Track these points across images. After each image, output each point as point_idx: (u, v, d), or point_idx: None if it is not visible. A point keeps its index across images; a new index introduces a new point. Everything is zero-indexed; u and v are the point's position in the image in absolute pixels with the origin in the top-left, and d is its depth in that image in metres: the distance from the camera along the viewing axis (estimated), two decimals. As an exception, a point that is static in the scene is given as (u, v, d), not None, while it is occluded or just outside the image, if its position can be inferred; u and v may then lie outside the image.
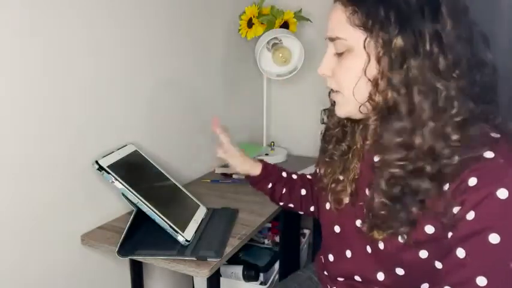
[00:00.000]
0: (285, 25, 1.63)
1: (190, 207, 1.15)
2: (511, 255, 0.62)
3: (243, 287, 1.42)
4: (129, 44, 1.18)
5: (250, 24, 1.61)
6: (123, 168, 1.03)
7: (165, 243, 0.99)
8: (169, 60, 1.34)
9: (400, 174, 0.68)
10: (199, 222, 1.10)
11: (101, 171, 0.98)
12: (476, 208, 0.63)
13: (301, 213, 1.09)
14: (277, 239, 1.61)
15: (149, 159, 1.18)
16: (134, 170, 1.09)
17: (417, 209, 0.68)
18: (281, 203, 1.08)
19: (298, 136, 1.87)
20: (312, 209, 1.07)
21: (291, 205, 1.07)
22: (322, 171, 0.90)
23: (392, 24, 0.66)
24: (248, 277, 1.42)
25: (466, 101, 0.66)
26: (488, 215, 0.62)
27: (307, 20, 1.66)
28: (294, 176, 1.10)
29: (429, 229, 0.69)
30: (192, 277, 1.47)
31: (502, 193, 0.61)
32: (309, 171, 1.51)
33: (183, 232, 0.99)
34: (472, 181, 0.63)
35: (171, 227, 0.97)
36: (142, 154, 1.17)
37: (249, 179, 1.09)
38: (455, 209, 0.64)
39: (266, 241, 1.59)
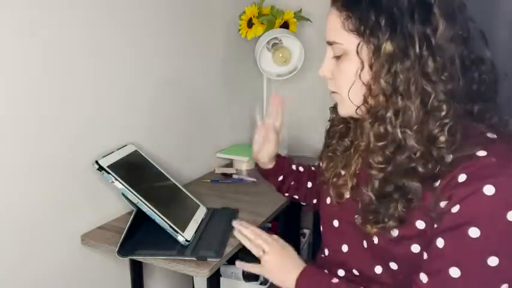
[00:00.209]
0: (285, 25, 1.63)
1: (190, 207, 1.16)
2: (488, 252, 0.63)
3: (243, 287, 1.42)
4: (129, 44, 1.18)
5: (250, 24, 1.61)
6: (123, 168, 1.03)
7: (165, 243, 0.99)
8: (169, 60, 1.34)
9: (382, 176, 0.70)
10: (199, 222, 1.10)
11: (101, 171, 0.98)
12: (462, 202, 0.64)
13: (303, 204, 1.12)
14: (277, 239, 1.61)
15: (149, 159, 1.18)
16: (134, 170, 1.09)
17: (405, 207, 0.69)
18: (286, 194, 1.12)
19: (298, 136, 1.87)
20: (314, 201, 1.09)
21: (296, 196, 1.11)
22: (324, 165, 0.92)
23: (383, 29, 0.67)
24: (248, 277, 1.42)
25: (455, 103, 0.67)
26: (472, 210, 0.63)
27: (307, 20, 1.66)
28: (301, 169, 1.12)
29: (420, 224, 0.70)
30: (192, 277, 1.47)
31: (489, 190, 0.62)
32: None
33: (183, 232, 0.99)
34: (462, 177, 0.64)
35: (171, 227, 0.97)
36: (142, 154, 1.17)
37: (260, 170, 1.11)
38: (443, 203, 0.66)
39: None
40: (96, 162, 0.98)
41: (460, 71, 0.67)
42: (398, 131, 0.68)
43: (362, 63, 0.71)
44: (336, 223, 0.88)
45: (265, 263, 0.87)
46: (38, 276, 1.00)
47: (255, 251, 0.90)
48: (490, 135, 0.68)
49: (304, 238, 1.76)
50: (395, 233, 0.72)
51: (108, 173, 0.98)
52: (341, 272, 0.87)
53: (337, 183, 0.86)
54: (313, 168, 1.13)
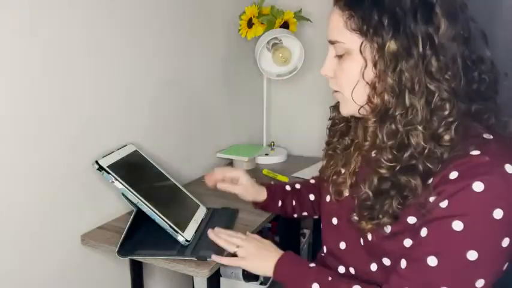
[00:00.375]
0: (285, 25, 1.63)
1: (190, 207, 1.15)
2: (470, 246, 0.64)
3: (243, 287, 1.42)
4: (129, 44, 1.18)
5: (250, 24, 1.60)
6: (123, 168, 1.03)
7: (165, 243, 0.99)
8: (169, 60, 1.34)
9: (390, 174, 0.71)
10: (199, 222, 1.10)
11: (101, 171, 0.98)
12: (451, 198, 0.65)
13: (316, 217, 1.11)
14: (277, 239, 1.61)
15: (149, 159, 1.18)
16: (134, 170, 1.09)
17: (401, 203, 0.71)
18: (295, 215, 1.13)
19: (298, 136, 1.87)
20: None
21: (305, 213, 1.12)
22: (325, 163, 0.93)
23: (386, 28, 0.67)
24: (248, 277, 1.42)
25: (458, 102, 0.68)
26: (459, 204, 0.65)
27: (307, 20, 1.65)
28: (298, 186, 1.14)
29: (411, 220, 0.71)
30: (192, 277, 1.47)
31: (478, 186, 0.63)
32: (308, 172, 1.52)
33: (183, 232, 0.99)
34: (453, 175, 0.65)
35: (171, 227, 0.97)
36: (142, 154, 1.17)
37: (259, 206, 1.13)
38: (432, 198, 0.67)
39: (267, 241, 1.59)
40: (96, 162, 0.98)
41: (461, 71, 0.68)
42: (406, 129, 0.69)
43: (365, 61, 0.71)
44: (334, 221, 0.89)
45: (242, 254, 0.90)
46: (38, 276, 1.00)
47: (229, 248, 0.93)
48: (486, 136, 0.69)
49: (304, 238, 1.76)
50: (388, 229, 0.74)
51: (108, 173, 0.98)
52: (341, 269, 0.87)
53: (337, 180, 0.88)
54: (312, 181, 1.14)
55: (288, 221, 1.46)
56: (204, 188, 1.21)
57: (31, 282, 0.99)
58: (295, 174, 1.51)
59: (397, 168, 0.70)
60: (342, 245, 0.86)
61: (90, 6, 1.05)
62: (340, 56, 0.76)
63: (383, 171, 0.71)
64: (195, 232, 1.04)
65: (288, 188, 1.13)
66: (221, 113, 1.64)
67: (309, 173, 1.50)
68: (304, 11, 1.65)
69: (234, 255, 0.93)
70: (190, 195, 1.20)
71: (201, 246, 0.98)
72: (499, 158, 0.65)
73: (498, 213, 0.63)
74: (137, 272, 1.26)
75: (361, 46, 0.71)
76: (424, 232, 0.68)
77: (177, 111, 1.40)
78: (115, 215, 1.18)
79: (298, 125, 1.87)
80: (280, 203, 1.11)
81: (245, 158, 1.58)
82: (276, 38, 1.60)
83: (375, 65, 0.70)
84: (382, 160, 0.71)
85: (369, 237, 0.78)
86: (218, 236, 0.97)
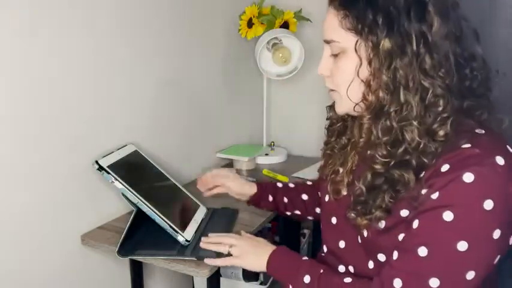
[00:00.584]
0: (285, 25, 1.63)
1: (190, 207, 1.15)
2: (460, 236, 0.65)
3: (243, 287, 1.42)
4: (130, 44, 1.18)
5: (250, 24, 1.60)
6: (123, 168, 1.03)
7: (165, 243, 0.99)
8: (169, 60, 1.34)
9: (384, 170, 0.72)
10: (199, 222, 1.09)
11: (100, 171, 0.98)
12: (442, 189, 0.66)
13: (311, 218, 1.14)
14: (277, 239, 1.61)
15: (149, 159, 1.18)
16: (134, 170, 1.09)
17: (393, 197, 0.72)
18: (288, 213, 1.13)
19: (298, 136, 1.87)
20: (317, 210, 1.10)
21: (298, 212, 1.13)
22: (323, 162, 0.94)
23: (380, 27, 0.69)
24: (248, 277, 1.42)
25: (451, 98, 0.69)
26: (450, 195, 0.66)
27: (307, 20, 1.65)
28: (291, 185, 1.15)
29: (404, 213, 0.72)
30: (192, 277, 1.47)
31: (468, 177, 0.64)
32: (308, 172, 1.52)
33: (183, 232, 0.99)
34: (445, 167, 0.67)
35: (171, 227, 0.97)
36: (142, 154, 1.17)
37: (250, 201, 1.14)
38: (424, 191, 0.68)
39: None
40: (96, 162, 0.98)
41: (454, 68, 0.69)
42: (401, 125, 0.70)
43: (360, 60, 0.73)
44: (334, 220, 0.89)
45: (237, 253, 0.91)
46: (38, 276, 1.00)
47: (222, 249, 0.93)
48: (478, 131, 0.70)
49: (304, 238, 1.76)
50: (382, 224, 0.75)
51: (108, 173, 0.98)
52: (341, 268, 0.88)
53: (335, 179, 0.89)
54: (309, 183, 1.15)
55: (288, 221, 1.45)
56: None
57: (31, 282, 0.99)
58: (295, 174, 1.51)
59: (391, 163, 0.71)
60: (342, 244, 0.87)
61: (90, 6, 1.05)
62: (335, 55, 0.78)
63: (377, 166, 0.73)
64: (195, 232, 1.04)
65: (279, 185, 1.15)
66: (221, 113, 1.64)
67: (309, 173, 1.50)
68: (304, 11, 1.65)
69: (230, 255, 0.93)
70: (190, 195, 1.20)
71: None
72: (490, 150, 0.66)
73: (488, 204, 0.64)
74: (137, 272, 1.26)
75: (356, 45, 0.72)
76: (415, 224, 0.69)
77: (177, 111, 1.40)
78: (115, 215, 1.18)
79: (298, 125, 1.87)
80: (271, 198, 1.12)
81: (245, 158, 1.58)
82: (276, 38, 1.60)
83: (369, 63, 0.72)
84: (377, 156, 0.73)
85: (365, 233, 0.79)
86: (209, 241, 0.97)
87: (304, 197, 1.11)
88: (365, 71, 0.73)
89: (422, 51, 0.68)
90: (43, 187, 0.99)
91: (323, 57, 0.80)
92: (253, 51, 1.65)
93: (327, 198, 0.92)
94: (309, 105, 1.81)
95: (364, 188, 0.75)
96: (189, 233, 1.01)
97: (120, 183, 0.98)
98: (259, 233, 1.57)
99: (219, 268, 0.98)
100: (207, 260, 0.92)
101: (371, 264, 0.81)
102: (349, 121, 0.89)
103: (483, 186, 0.64)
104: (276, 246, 0.90)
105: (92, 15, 1.06)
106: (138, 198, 0.98)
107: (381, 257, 0.78)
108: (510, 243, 0.70)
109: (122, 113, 1.18)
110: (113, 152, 1.06)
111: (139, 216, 1.03)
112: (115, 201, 1.16)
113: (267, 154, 1.73)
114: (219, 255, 0.94)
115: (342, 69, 0.77)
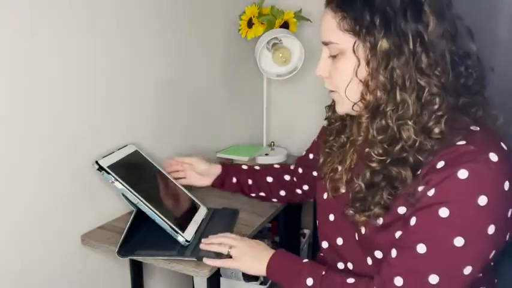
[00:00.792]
0: (285, 25, 1.63)
1: (190, 207, 1.15)
2: (456, 232, 0.66)
3: (243, 287, 1.42)
4: (130, 44, 1.18)
5: (250, 24, 1.60)
6: (123, 169, 1.03)
7: (165, 243, 0.99)
8: (169, 60, 1.34)
9: (380, 167, 0.74)
10: (199, 223, 1.09)
11: (101, 171, 0.98)
12: (437, 186, 0.67)
13: (275, 200, 1.19)
14: (277, 239, 1.61)
15: (149, 159, 1.17)
16: (135, 170, 1.09)
17: (391, 194, 0.73)
18: (253, 195, 1.17)
19: (298, 136, 1.87)
20: (282, 193, 1.15)
21: (262, 194, 1.17)
22: (322, 161, 0.95)
23: (378, 28, 0.70)
24: (248, 277, 1.42)
25: (447, 96, 0.70)
26: (445, 192, 0.67)
27: (307, 20, 1.65)
28: (256, 167, 1.19)
29: (401, 210, 0.73)
30: (192, 277, 1.47)
31: (463, 173, 0.65)
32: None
33: (183, 232, 0.99)
34: (440, 164, 0.68)
35: (171, 227, 0.97)
36: (143, 154, 1.17)
37: (214, 183, 1.18)
38: (420, 188, 0.69)
39: (266, 241, 1.59)
40: (96, 162, 0.98)
41: (449, 66, 0.70)
42: (398, 123, 0.71)
43: (358, 60, 0.74)
44: (331, 217, 0.90)
45: (236, 254, 0.91)
46: (38, 276, 1.00)
47: (223, 250, 0.93)
48: (473, 128, 0.71)
49: (304, 238, 1.76)
50: (380, 221, 0.75)
51: (108, 173, 0.98)
52: (340, 265, 0.89)
53: (334, 177, 0.90)
54: (276, 166, 1.20)
55: (288, 221, 1.46)
56: (204, 188, 1.21)
57: (31, 282, 0.99)
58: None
59: (388, 161, 0.73)
60: (339, 241, 0.88)
61: (90, 6, 1.05)
62: (334, 56, 0.79)
63: (374, 164, 0.74)
64: (195, 232, 1.04)
65: (244, 167, 1.18)
66: (221, 113, 1.64)
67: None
68: (304, 11, 1.65)
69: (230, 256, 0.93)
70: (191, 196, 1.19)
71: (201, 247, 0.98)
72: (484, 147, 0.67)
73: (483, 200, 0.65)
74: (137, 272, 1.26)
75: (354, 46, 0.73)
76: (412, 221, 0.70)
77: (177, 111, 1.40)
78: (115, 215, 1.18)
79: (298, 125, 1.87)
80: (235, 180, 1.15)
81: (245, 158, 1.58)
82: (276, 38, 1.60)
83: (367, 64, 0.73)
84: (373, 154, 0.74)
85: (363, 230, 0.79)
86: (209, 242, 0.97)
87: (269, 179, 1.14)
88: (363, 71, 0.74)
89: (419, 51, 0.69)
90: (43, 187, 0.99)
91: (321, 58, 0.81)
92: (253, 51, 1.65)
93: (325, 196, 0.92)
94: (309, 105, 1.81)
95: (363, 185, 0.76)
96: (189, 233, 1.01)
97: (120, 183, 0.98)
98: (259, 233, 1.58)
99: (219, 268, 0.98)
100: (206, 260, 0.92)
101: (369, 261, 0.82)
102: (348, 120, 0.90)
103: (477, 182, 0.65)
104: (275, 250, 0.90)
105: (92, 15, 1.06)
106: (138, 198, 0.98)
107: (378, 254, 0.79)
108: (507, 239, 0.72)
109: (122, 113, 1.18)
110: (113, 152, 1.06)
111: (140, 216, 1.03)
112: (115, 201, 1.16)
113: (267, 154, 1.73)
114: (218, 255, 0.94)
115: (340, 70, 0.78)
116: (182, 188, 1.20)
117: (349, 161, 0.88)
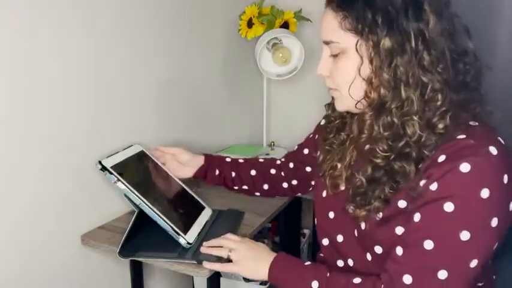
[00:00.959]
0: (285, 25, 1.63)
1: (195, 209, 1.14)
2: (462, 226, 0.67)
3: (243, 287, 1.42)
4: (130, 44, 1.18)
5: (250, 24, 1.60)
6: (127, 169, 1.01)
7: (166, 245, 0.98)
8: (169, 60, 1.34)
9: (384, 163, 0.74)
10: (203, 224, 1.08)
11: (103, 171, 0.96)
12: (440, 180, 0.68)
13: (258, 194, 1.18)
14: (277, 239, 1.61)
15: (155, 160, 1.16)
16: (139, 170, 1.08)
17: (392, 188, 0.74)
18: (236, 188, 1.17)
19: (298, 136, 1.85)
20: (265, 187, 1.15)
21: (245, 187, 1.17)
22: (321, 158, 0.95)
23: (380, 26, 0.71)
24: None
25: (449, 92, 0.71)
26: (448, 186, 0.67)
27: (307, 20, 1.65)
28: (241, 160, 1.19)
29: (402, 203, 0.74)
30: (192, 277, 1.47)
31: (465, 167, 0.66)
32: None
33: (185, 234, 0.98)
34: (441, 158, 0.69)
35: (173, 229, 0.96)
36: (148, 154, 1.15)
37: (197, 175, 1.16)
38: (422, 182, 0.70)
39: (266, 241, 1.59)
40: (99, 162, 0.97)
41: (450, 63, 0.72)
42: (403, 120, 0.72)
43: (361, 59, 0.75)
44: (331, 214, 0.90)
45: (236, 258, 0.90)
46: (38, 276, 1.00)
47: (222, 254, 0.92)
48: (472, 123, 0.72)
49: (304, 238, 1.76)
50: (380, 215, 0.76)
51: (111, 173, 0.96)
52: (340, 263, 0.89)
53: (333, 174, 0.90)
54: (260, 160, 1.20)
55: (288, 221, 1.46)
56: (206, 187, 1.21)
57: (31, 282, 0.99)
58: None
59: (392, 157, 0.73)
60: (340, 238, 0.88)
61: (90, 6, 1.05)
62: (335, 56, 0.79)
63: (378, 160, 0.75)
64: (198, 234, 1.02)
65: (228, 159, 1.17)
66: (221, 113, 1.64)
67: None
68: (304, 11, 1.65)
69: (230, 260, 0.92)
70: (196, 197, 1.17)
71: (203, 249, 0.97)
72: (484, 140, 0.68)
73: (485, 193, 0.65)
74: (137, 272, 1.25)
75: (356, 44, 0.74)
76: (417, 217, 0.70)
77: (177, 111, 1.40)
78: (116, 214, 1.17)
79: (298, 125, 1.86)
80: (217, 172, 1.14)
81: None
82: (276, 38, 1.60)
83: (371, 62, 0.73)
84: (378, 150, 0.74)
85: (363, 226, 0.80)
86: (210, 245, 0.96)
87: (253, 172, 1.14)
88: (366, 70, 0.75)
89: (421, 48, 0.70)
90: (43, 187, 0.99)
91: (322, 57, 0.82)
92: (253, 51, 1.65)
93: (324, 193, 0.92)
94: (309, 105, 1.81)
95: (364, 180, 0.77)
96: (192, 235, 1.00)
97: (123, 183, 0.96)
98: (259, 233, 1.57)
99: (219, 268, 0.98)
100: (205, 264, 0.91)
101: (369, 257, 0.82)
102: (348, 118, 0.91)
103: (479, 175, 0.66)
104: (275, 253, 0.89)
105: (92, 15, 1.06)
106: (140, 199, 0.96)
107: (378, 250, 0.79)
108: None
109: (122, 113, 1.18)
110: (118, 152, 1.05)
111: (142, 217, 1.02)
112: (115, 201, 1.16)
113: (267, 154, 1.73)
114: (219, 259, 0.93)
115: (342, 69, 0.78)
116: (188, 190, 1.18)
117: (348, 158, 0.88)
